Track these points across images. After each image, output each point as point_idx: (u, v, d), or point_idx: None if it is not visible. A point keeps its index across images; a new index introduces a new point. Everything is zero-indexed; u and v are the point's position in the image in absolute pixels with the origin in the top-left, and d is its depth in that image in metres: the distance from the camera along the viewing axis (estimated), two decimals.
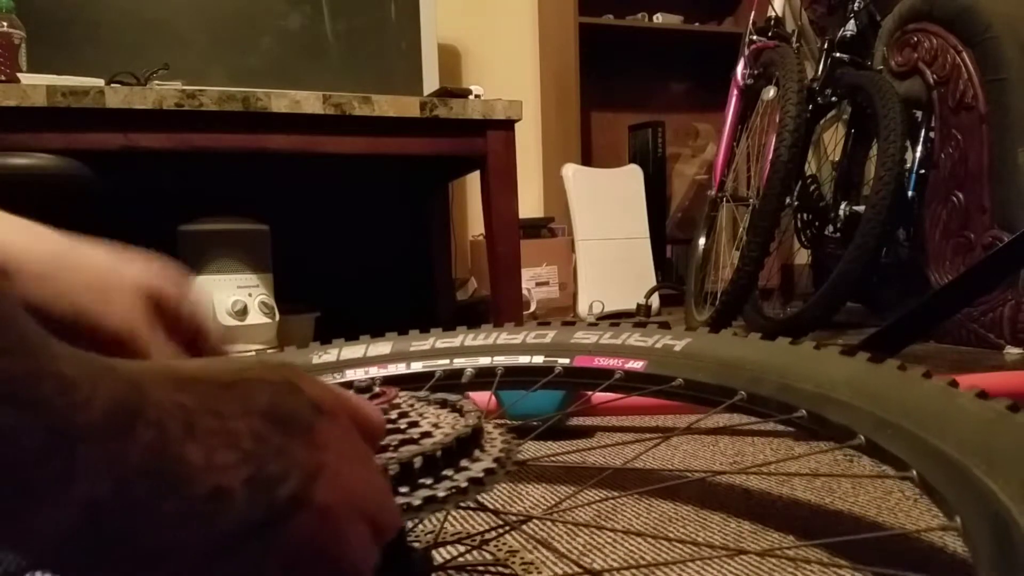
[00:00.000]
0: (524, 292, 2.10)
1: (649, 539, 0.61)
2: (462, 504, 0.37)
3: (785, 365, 0.59)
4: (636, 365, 0.69)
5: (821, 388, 0.54)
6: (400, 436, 0.39)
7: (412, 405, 0.44)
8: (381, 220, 2.23)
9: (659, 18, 2.72)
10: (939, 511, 0.42)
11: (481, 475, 0.38)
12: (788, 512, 0.68)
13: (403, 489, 0.36)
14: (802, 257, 2.32)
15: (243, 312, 1.55)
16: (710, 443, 0.91)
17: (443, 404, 0.46)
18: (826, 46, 1.97)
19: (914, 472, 0.43)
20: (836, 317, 1.79)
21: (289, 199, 2.00)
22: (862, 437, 0.48)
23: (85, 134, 1.36)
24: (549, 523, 0.64)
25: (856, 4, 2.00)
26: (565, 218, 2.48)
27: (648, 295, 2.33)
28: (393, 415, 0.41)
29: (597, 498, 0.72)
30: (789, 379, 0.57)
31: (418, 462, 0.37)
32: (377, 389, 0.43)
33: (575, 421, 1.02)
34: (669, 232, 2.76)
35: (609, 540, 0.60)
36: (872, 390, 0.51)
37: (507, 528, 0.60)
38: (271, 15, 1.96)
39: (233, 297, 1.55)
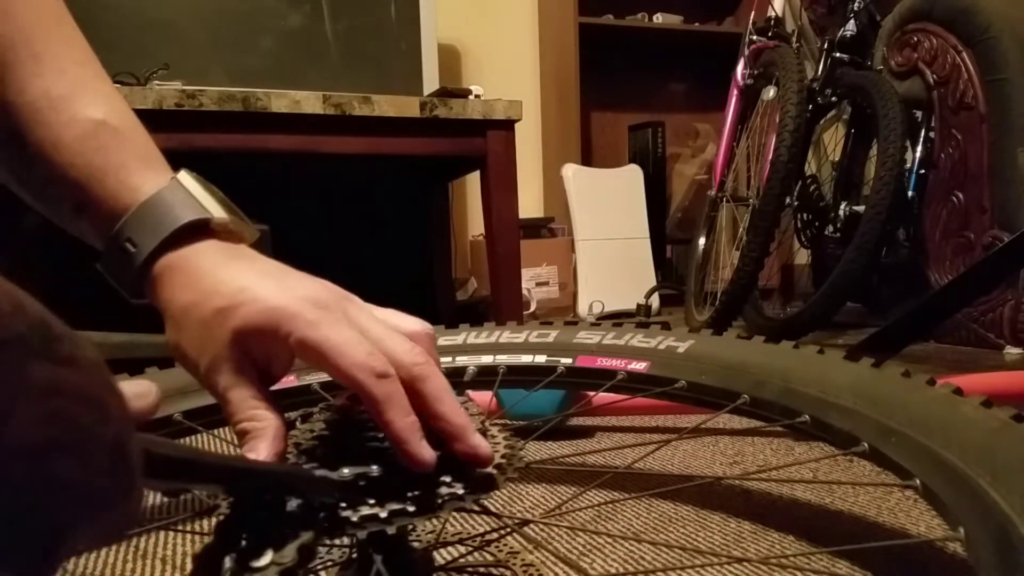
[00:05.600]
0: (524, 292, 2.10)
1: (649, 540, 0.61)
2: (463, 508, 0.38)
3: (789, 369, 0.59)
4: (639, 366, 0.69)
5: (825, 393, 0.54)
6: None
7: None
8: (381, 220, 2.23)
9: (659, 18, 2.72)
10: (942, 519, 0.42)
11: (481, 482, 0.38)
12: (788, 513, 0.68)
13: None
14: (802, 257, 2.32)
15: None
16: (710, 443, 0.91)
17: None
18: (826, 46, 1.97)
19: (918, 481, 0.43)
20: (836, 317, 1.79)
21: (289, 199, 2.00)
22: (866, 444, 0.48)
23: None
24: (549, 523, 0.64)
25: (856, 4, 2.00)
26: (565, 218, 2.48)
27: (648, 295, 2.33)
28: None
29: (597, 501, 0.72)
30: (793, 383, 0.57)
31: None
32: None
33: (575, 421, 1.02)
34: (669, 232, 2.76)
35: (609, 541, 0.61)
36: (876, 396, 0.51)
37: (508, 530, 0.60)
38: (271, 15, 1.95)
39: None
